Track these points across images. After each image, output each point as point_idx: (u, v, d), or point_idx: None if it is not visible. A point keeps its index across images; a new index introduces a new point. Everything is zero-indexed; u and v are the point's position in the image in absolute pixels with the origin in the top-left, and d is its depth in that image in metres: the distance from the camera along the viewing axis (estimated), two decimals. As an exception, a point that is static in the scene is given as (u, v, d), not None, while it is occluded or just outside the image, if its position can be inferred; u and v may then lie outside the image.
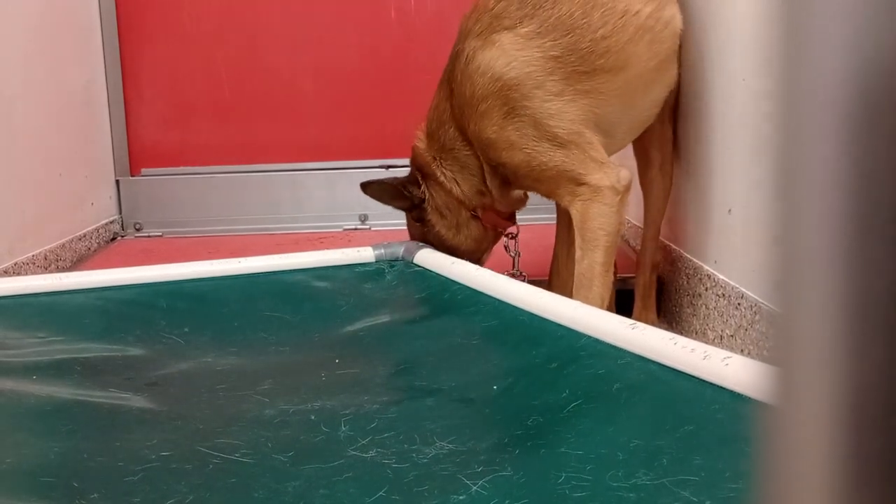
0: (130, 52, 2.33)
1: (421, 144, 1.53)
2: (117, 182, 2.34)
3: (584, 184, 1.34)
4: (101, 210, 2.25)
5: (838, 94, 0.21)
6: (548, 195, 1.42)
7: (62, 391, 0.98)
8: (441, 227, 1.55)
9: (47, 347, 1.13)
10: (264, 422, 0.90)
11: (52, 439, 0.86)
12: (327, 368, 1.06)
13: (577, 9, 1.36)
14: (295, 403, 0.94)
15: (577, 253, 1.36)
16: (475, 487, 0.72)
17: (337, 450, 0.82)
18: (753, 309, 1.19)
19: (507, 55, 1.36)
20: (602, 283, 1.34)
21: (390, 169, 2.23)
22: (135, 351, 1.14)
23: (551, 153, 1.35)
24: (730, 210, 1.31)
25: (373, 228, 2.28)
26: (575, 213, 1.36)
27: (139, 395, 0.98)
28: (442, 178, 1.50)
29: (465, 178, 1.49)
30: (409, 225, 1.62)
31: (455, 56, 1.43)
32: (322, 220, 2.30)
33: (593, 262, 1.34)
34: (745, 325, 1.22)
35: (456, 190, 1.50)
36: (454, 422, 0.88)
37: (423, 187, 1.53)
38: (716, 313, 1.34)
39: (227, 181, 2.34)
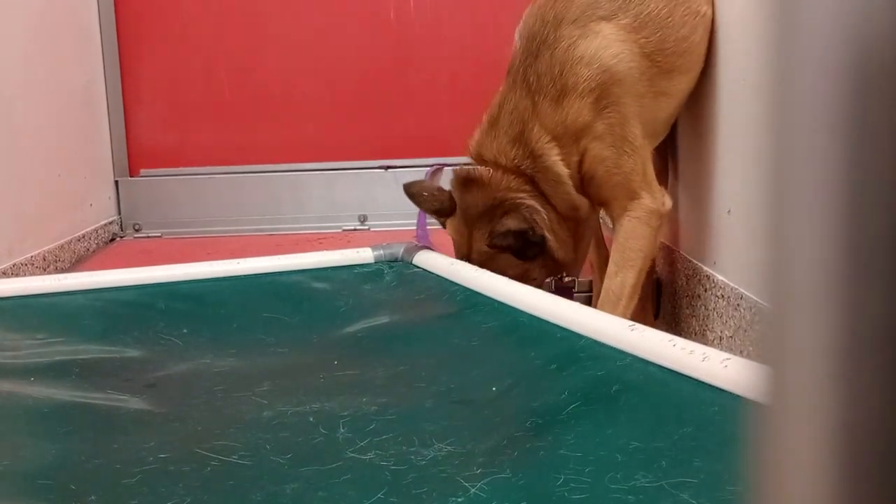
0: (130, 53, 2.33)
1: (505, 161, 1.35)
2: (116, 183, 2.34)
3: (636, 200, 1.33)
4: (100, 211, 2.25)
5: (830, 83, 0.21)
6: (604, 202, 1.38)
7: (60, 393, 0.98)
8: (560, 252, 1.38)
9: (46, 349, 1.13)
10: (262, 423, 0.90)
11: (50, 441, 0.86)
12: (326, 370, 1.06)
13: (663, 6, 1.33)
14: (293, 405, 0.94)
15: (611, 268, 1.35)
16: (474, 489, 0.72)
17: (335, 452, 0.82)
18: (753, 310, 1.18)
19: (614, 46, 1.30)
20: (627, 305, 1.33)
21: (389, 170, 2.23)
22: (133, 352, 1.14)
23: (626, 157, 1.32)
24: (729, 211, 1.31)
25: (372, 229, 2.28)
26: (620, 227, 1.35)
27: (137, 396, 0.98)
28: (551, 193, 1.35)
29: (564, 189, 1.35)
30: (495, 263, 1.37)
31: (543, 44, 1.33)
32: (321, 221, 2.29)
33: (625, 281, 1.33)
34: (744, 326, 1.21)
35: (562, 204, 1.36)
36: (453, 423, 0.88)
37: (542, 215, 1.34)
38: (715, 314, 1.33)
39: (227, 182, 2.34)
